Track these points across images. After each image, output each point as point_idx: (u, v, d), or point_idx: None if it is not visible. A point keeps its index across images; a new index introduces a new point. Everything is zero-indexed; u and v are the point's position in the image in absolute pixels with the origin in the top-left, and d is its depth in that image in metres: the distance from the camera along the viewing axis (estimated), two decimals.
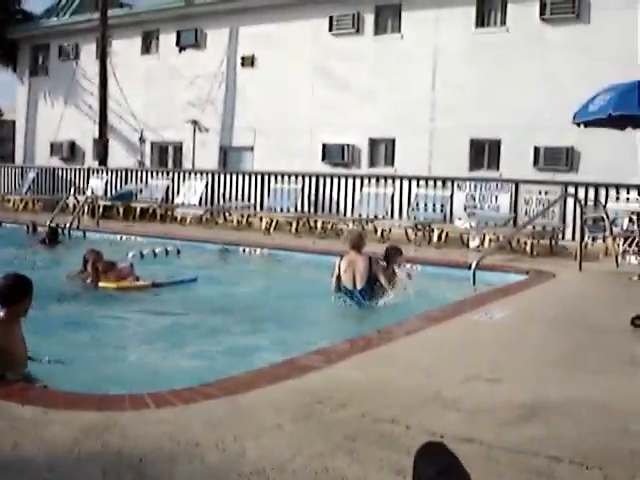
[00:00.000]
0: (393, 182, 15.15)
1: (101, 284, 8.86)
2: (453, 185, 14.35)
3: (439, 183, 14.51)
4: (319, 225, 14.85)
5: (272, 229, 14.84)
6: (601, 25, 15.75)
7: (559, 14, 16.32)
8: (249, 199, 17.12)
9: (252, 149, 20.63)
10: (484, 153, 17.51)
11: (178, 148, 22.36)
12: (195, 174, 18.40)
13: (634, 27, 15.22)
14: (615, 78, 11.25)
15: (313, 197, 16.25)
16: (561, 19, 16.32)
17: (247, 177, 17.41)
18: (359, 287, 7.99)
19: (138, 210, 17.68)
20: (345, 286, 8.07)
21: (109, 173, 19.98)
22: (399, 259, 8.62)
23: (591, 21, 16.09)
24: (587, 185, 13.21)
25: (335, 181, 16.10)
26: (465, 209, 14.07)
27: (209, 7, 21.20)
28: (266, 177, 16.95)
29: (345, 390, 4.44)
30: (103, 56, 21.46)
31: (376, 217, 14.56)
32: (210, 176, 17.94)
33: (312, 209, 16.21)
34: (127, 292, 8.79)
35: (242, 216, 16.14)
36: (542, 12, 16.48)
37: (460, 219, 13.52)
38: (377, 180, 15.38)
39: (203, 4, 21.24)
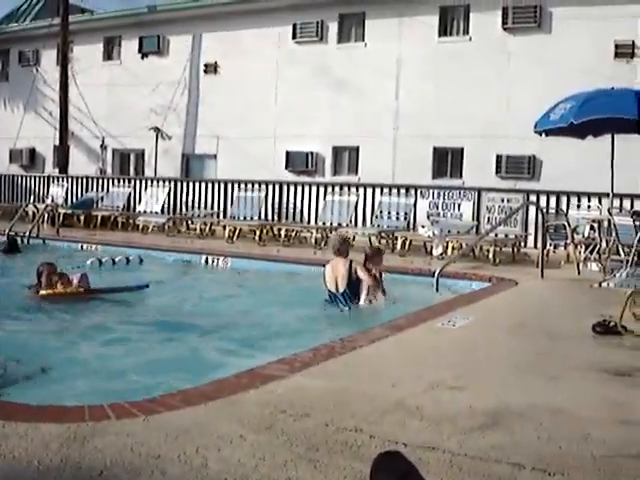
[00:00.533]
0: (357, 190, 15.19)
1: (41, 292, 8.70)
2: (416, 193, 14.42)
3: (402, 191, 14.56)
4: (283, 233, 14.81)
5: (235, 237, 14.75)
6: (562, 35, 16.01)
7: (521, 24, 16.56)
8: (212, 207, 17.03)
9: (215, 157, 20.55)
10: (447, 161, 17.65)
11: (140, 155, 22.18)
12: (157, 182, 18.24)
13: (594, 37, 15.47)
14: (576, 87, 11.42)
15: (277, 205, 16.22)
16: (523, 28, 16.55)
17: (210, 185, 17.32)
18: (341, 290, 8.31)
19: (99, 218, 17.46)
20: (329, 289, 8.37)
21: (70, 181, 19.73)
22: (380, 260, 8.77)
23: (552, 31, 16.34)
24: (548, 193, 13.36)
25: (299, 189, 16.09)
26: (428, 217, 14.15)
27: (171, 14, 21.12)
28: (229, 185, 16.88)
29: (308, 399, 4.40)
30: (64, 62, 21.20)
31: (340, 225, 14.56)
32: (172, 184, 17.81)
33: (276, 217, 16.17)
34: (81, 302, 8.57)
35: (205, 224, 16.02)
36: (504, 22, 16.70)
37: (423, 227, 13.58)
38: (341, 188, 15.40)
39: (165, 10, 21.15)
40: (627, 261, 10.09)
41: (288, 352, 5.59)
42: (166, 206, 17.47)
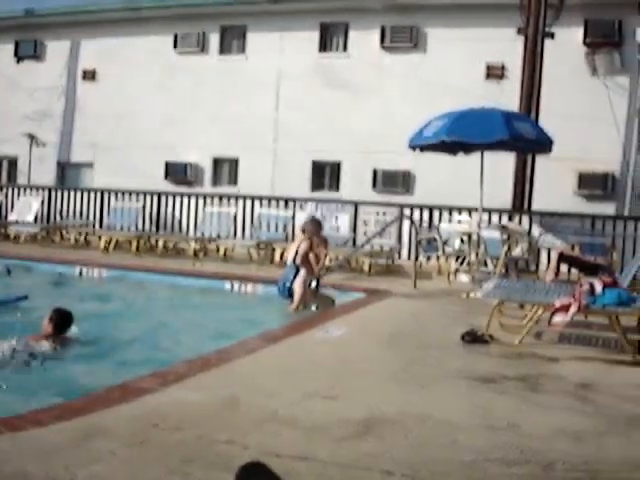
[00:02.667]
0: (236, 201, 15.16)
1: None
2: (295, 205, 14.55)
3: (281, 203, 14.67)
4: (160, 244, 14.59)
5: (111, 248, 14.42)
6: (437, 55, 16.58)
7: (398, 43, 17.01)
8: (88, 217, 16.56)
9: (92, 165, 20.01)
10: (325, 175, 17.89)
11: (13, 162, 21.28)
12: (31, 190, 17.57)
13: (467, 58, 16.11)
14: (449, 105, 11.87)
15: (155, 215, 15.96)
16: (400, 47, 17.02)
17: (86, 194, 16.83)
18: (289, 261, 9.57)
19: None
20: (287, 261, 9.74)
21: None
22: (314, 230, 9.72)
23: (428, 51, 16.89)
24: (422, 207, 13.78)
25: (178, 200, 15.89)
26: None
27: (50, 18, 20.43)
28: (106, 194, 16.46)
29: (182, 412, 4.37)
30: None
31: (219, 236, 14.49)
32: (47, 192, 17.20)
33: (154, 228, 15.92)
34: None
35: (80, 234, 15.57)
36: (382, 40, 17.12)
37: None
38: (220, 199, 15.33)
39: (44, 15, 20.43)
40: (494, 272, 10.57)
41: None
42: (39, 215, 16.86)
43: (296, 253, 9.41)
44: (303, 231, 9.76)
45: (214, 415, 4.37)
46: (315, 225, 9.84)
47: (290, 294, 9.17)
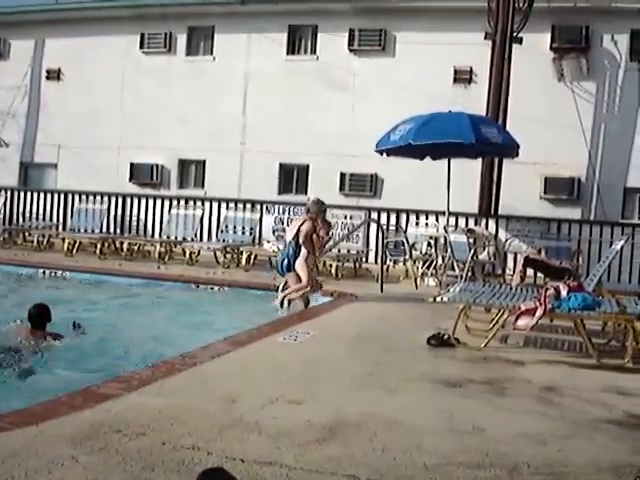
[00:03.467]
0: (202, 204, 15.07)
1: None
2: (262, 208, 14.51)
3: (248, 206, 14.60)
4: (125, 247, 14.43)
5: (75, 250, 14.22)
6: (405, 58, 16.61)
7: (366, 46, 17.04)
8: (51, 219, 16.35)
9: (56, 166, 19.74)
10: (293, 178, 17.85)
11: None
12: None
13: (435, 62, 16.17)
14: (417, 109, 11.92)
15: (120, 218, 15.80)
16: (368, 51, 17.04)
17: (49, 195, 16.63)
18: (288, 239, 9.53)
19: None
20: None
21: None
22: (318, 210, 9.61)
23: (396, 54, 16.93)
24: (389, 211, 13.82)
25: (143, 202, 15.76)
26: (274, 232, 14.26)
27: (14, 17, 20.12)
28: (70, 196, 16.27)
29: (145, 418, 4.30)
30: None
31: (185, 239, 14.38)
32: (9, 193, 16.95)
33: (118, 230, 15.75)
34: None
35: (43, 236, 15.34)
36: (351, 43, 17.14)
37: (269, 242, 13.68)
38: (186, 202, 15.23)
39: (8, 13, 20.13)
40: (461, 276, 10.61)
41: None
42: (2, 217, 16.59)
43: (297, 232, 9.41)
44: (307, 211, 9.71)
45: (177, 420, 4.30)
46: (320, 206, 9.77)
47: (288, 270, 9.30)
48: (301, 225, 9.47)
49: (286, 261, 9.33)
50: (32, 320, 7.05)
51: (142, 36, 18.84)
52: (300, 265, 9.20)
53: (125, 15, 18.85)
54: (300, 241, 9.29)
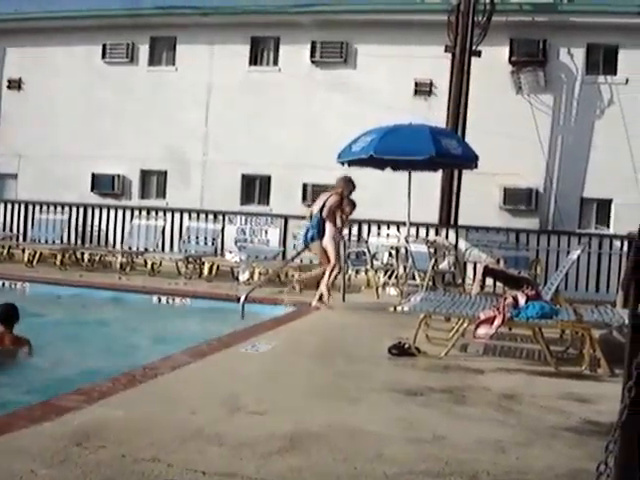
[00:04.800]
0: (164, 214, 15.00)
1: None
2: (224, 219, 14.49)
3: (210, 216, 14.57)
4: (86, 257, 14.29)
5: (35, 261, 14.05)
6: (367, 70, 16.77)
7: (328, 58, 17.16)
8: (11, 229, 16.14)
9: (16, 176, 19.50)
10: (255, 188, 17.86)
11: None
12: None
13: (396, 74, 16.34)
14: (379, 120, 12.02)
15: (81, 228, 15.66)
16: (330, 62, 17.16)
17: (9, 206, 16.41)
18: (315, 212, 9.87)
19: None
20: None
21: None
22: (351, 188, 9.95)
23: (357, 66, 17.07)
24: (351, 221, 13.84)
25: (104, 212, 15.65)
26: (236, 242, 14.24)
27: None
28: (30, 206, 16.08)
29: (105, 430, 4.27)
30: None
31: (146, 249, 14.29)
32: None
33: (79, 241, 15.61)
34: None
35: (3, 247, 15.13)
36: (312, 55, 17.24)
37: (231, 252, 13.65)
38: (148, 212, 15.14)
39: None
40: (422, 286, 10.70)
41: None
42: None
43: (323, 206, 9.60)
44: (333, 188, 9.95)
45: (138, 433, 4.27)
46: (348, 183, 9.96)
47: (312, 240, 9.75)
48: (327, 199, 9.67)
49: (310, 232, 9.68)
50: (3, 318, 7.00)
51: (104, 46, 18.77)
52: (329, 242, 9.50)
53: (88, 25, 18.76)
54: (324, 214, 9.44)
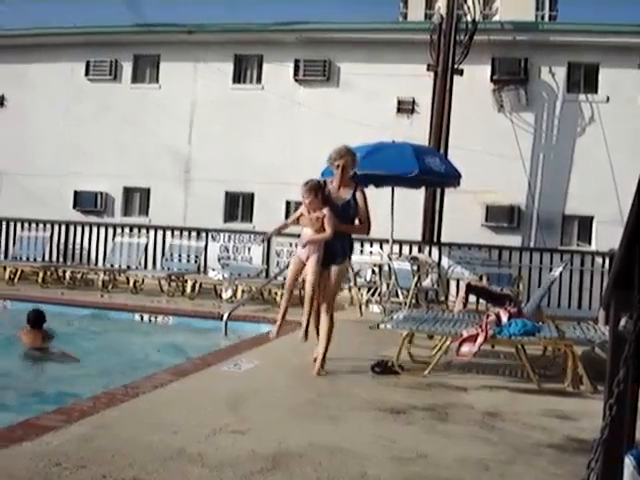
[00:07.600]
0: (147, 232, 14.95)
1: None
2: (207, 236, 14.46)
3: (193, 234, 14.54)
4: (68, 275, 14.20)
5: (17, 279, 13.95)
6: (349, 89, 16.83)
7: (311, 76, 17.23)
8: None
9: None
10: (238, 205, 17.85)
11: None
12: None
13: (378, 93, 16.42)
14: (361, 138, 12.03)
15: (63, 246, 15.58)
16: (313, 81, 17.23)
17: None
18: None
19: None
20: None
21: None
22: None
23: (340, 85, 17.15)
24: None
25: (87, 229, 15.58)
26: (219, 260, 14.22)
27: None
28: (12, 223, 15.98)
29: (85, 450, 4.23)
30: None
31: (129, 267, 14.22)
32: None
33: (61, 258, 15.52)
34: None
35: None
36: (296, 73, 17.31)
37: (214, 270, 13.62)
38: (131, 229, 15.08)
39: None
40: (405, 303, 10.71)
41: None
42: None
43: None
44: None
45: (119, 453, 4.23)
46: (354, 156, 7.97)
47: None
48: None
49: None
50: (31, 321, 8.31)
51: (87, 63, 18.73)
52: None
53: (71, 42, 18.72)
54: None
